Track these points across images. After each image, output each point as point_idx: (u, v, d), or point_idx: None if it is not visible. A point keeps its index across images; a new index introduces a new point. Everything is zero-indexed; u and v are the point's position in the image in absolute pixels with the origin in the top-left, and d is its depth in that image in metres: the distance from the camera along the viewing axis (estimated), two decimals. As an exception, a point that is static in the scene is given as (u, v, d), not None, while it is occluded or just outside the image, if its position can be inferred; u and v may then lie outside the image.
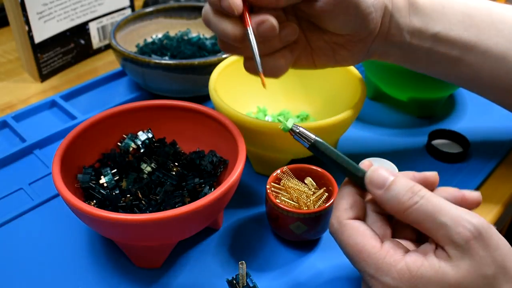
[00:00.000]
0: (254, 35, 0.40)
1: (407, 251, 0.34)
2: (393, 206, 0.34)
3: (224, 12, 0.39)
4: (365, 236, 0.34)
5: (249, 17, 0.40)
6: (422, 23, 0.46)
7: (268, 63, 0.43)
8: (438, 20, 0.46)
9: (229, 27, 0.40)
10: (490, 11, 0.47)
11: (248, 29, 0.40)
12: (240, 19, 0.40)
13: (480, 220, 0.32)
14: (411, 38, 0.46)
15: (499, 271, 0.32)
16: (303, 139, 0.39)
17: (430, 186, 0.36)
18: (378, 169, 0.36)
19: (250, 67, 0.44)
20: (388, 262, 0.33)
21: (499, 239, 0.32)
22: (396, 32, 0.46)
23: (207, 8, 0.41)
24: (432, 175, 0.37)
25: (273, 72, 0.44)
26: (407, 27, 0.46)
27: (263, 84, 0.41)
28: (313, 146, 0.38)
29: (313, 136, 0.38)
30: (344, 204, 0.36)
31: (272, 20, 0.40)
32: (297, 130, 0.39)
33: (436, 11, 0.46)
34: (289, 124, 0.39)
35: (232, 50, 0.44)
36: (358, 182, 0.37)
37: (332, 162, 0.38)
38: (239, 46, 0.42)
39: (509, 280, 0.32)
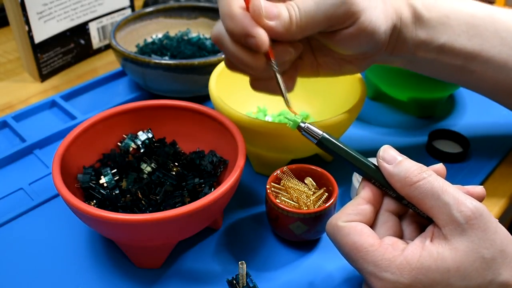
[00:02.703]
0: (277, 68, 0.40)
1: (406, 247, 0.34)
2: (401, 179, 0.35)
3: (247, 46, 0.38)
4: (362, 235, 0.34)
5: (271, 49, 0.39)
6: (427, 35, 0.46)
7: (276, 85, 0.42)
8: (443, 32, 0.46)
9: (253, 60, 0.39)
10: (494, 19, 0.47)
11: (273, 63, 0.39)
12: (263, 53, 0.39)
13: (481, 204, 0.33)
14: (416, 50, 0.47)
15: (498, 254, 0.32)
16: (311, 135, 0.39)
17: None
18: (390, 149, 0.37)
19: (258, 86, 0.44)
20: (387, 258, 0.33)
21: (498, 225, 0.33)
22: (402, 46, 0.46)
23: (222, 32, 0.40)
24: (440, 167, 0.38)
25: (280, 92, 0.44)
26: (413, 41, 0.46)
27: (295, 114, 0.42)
28: (320, 142, 0.39)
29: (320, 132, 0.39)
30: (348, 209, 0.36)
31: (290, 50, 0.40)
32: (304, 126, 0.39)
33: (441, 23, 0.46)
34: (297, 120, 0.39)
35: (239, 71, 0.43)
36: (366, 176, 0.38)
37: (339, 157, 0.38)
38: (254, 73, 0.42)
39: (508, 264, 0.32)
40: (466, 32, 0.46)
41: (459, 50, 0.46)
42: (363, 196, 0.37)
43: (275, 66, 0.40)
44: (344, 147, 0.38)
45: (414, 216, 0.38)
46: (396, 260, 0.33)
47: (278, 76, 0.40)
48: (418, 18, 0.45)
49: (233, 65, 0.43)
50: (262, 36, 0.37)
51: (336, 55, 0.45)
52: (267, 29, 0.38)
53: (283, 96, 0.41)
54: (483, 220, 0.32)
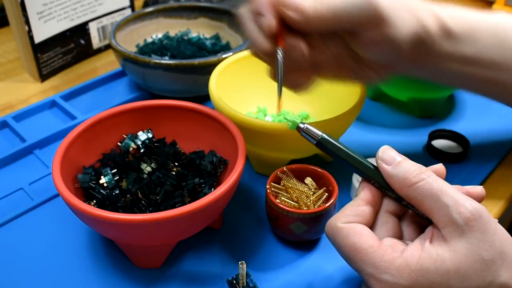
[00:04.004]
0: (283, 56, 0.40)
1: (405, 248, 0.34)
2: (400, 180, 0.35)
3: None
4: (361, 236, 0.34)
5: (282, 37, 0.39)
6: (453, 48, 0.44)
7: (289, 78, 0.42)
8: (470, 44, 0.44)
9: (261, 40, 0.40)
10: None
11: (278, 50, 0.40)
12: (274, 37, 0.40)
13: (481, 206, 0.33)
14: (440, 62, 0.45)
15: (497, 256, 0.32)
16: (310, 135, 0.39)
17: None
18: (389, 149, 0.37)
19: (273, 76, 0.45)
20: (387, 260, 0.33)
21: (497, 226, 0.33)
22: (426, 58, 0.45)
23: (244, 10, 0.41)
24: (439, 168, 0.38)
25: (293, 87, 0.44)
26: (438, 53, 0.44)
27: (278, 109, 0.41)
28: (319, 143, 0.38)
29: (319, 132, 0.39)
30: (348, 211, 0.36)
31: (302, 46, 0.40)
32: (304, 127, 0.39)
33: (468, 35, 0.44)
34: (296, 120, 0.39)
35: (258, 57, 0.43)
36: (365, 177, 0.38)
37: (338, 158, 0.38)
38: (265, 58, 0.42)
39: (507, 265, 0.32)
40: (493, 44, 0.45)
41: (484, 62, 0.45)
42: (362, 197, 0.37)
43: (279, 53, 0.40)
44: (343, 148, 0.38)
45: (414, 216, 0.38)
46: (396, 262, 0.33)
47: (279, 64, 0.40)
48: (444, 30, 0.43)
49: (253, 50, 0.43)
50: (269, 18, 0.38)
51: (358, 58, 0.44)
52: (284, 15, 0.38)
53: (278, 84, 0.41)
54: (482, 221, 0.32)
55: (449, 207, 0.33)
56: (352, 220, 0.36)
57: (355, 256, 0.34)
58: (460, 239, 0.32)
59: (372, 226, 0.37)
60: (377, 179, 0.37)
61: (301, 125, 0.39)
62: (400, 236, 0.37)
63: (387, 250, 0.33)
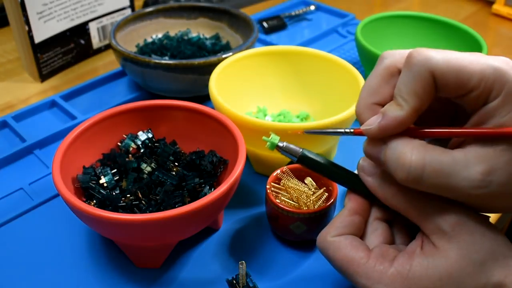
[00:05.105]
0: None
1: (397, 255, 0.34)
2: (383, 191, 0.35)
3: None
4: (352, 248, 0.34)
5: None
6: None
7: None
8: None
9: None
10: None
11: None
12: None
13: (466, 208, 0.33)
14: None
15: (488, 256, 0.32)
16: (290, 153, 0.39)
17: None
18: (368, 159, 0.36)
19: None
20: (378, 270, 0.33)
21: (487, 226, 0.33)
22: None
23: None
24: None
25: None
26: None
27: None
28: (300, 160, 0.38)
29: (299, 149, 0.38)
30: (337, 223, 0.36)
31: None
32: (283, 146, 0.39)
33: None
34: (275, 141, 0.39)
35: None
36: (350, 188, 0.38)
37: (321, 173, 0.38)
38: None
39: (500, 264, 0.32)
40: None
41: None
42: (349, 208, 0.37)
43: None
44: (324, 163, 0.38)
45: (404, 220, 0.38)
46: (388, 271, 0.33)
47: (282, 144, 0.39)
48: None
49: None
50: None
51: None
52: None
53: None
54: (470, 224, 0.32)
55: (434, 215, 0.32)
56: (341, 232, 0.35)
57: (348, 269, 0.34)
58: (450, 245, 0.32)
59: (363, 234, 0.37)
60: (362, 190, 0.37)
61: (280, 144, 0.39)
62: (391, 241, 0.37)
63: (379, 260, 0.33)
